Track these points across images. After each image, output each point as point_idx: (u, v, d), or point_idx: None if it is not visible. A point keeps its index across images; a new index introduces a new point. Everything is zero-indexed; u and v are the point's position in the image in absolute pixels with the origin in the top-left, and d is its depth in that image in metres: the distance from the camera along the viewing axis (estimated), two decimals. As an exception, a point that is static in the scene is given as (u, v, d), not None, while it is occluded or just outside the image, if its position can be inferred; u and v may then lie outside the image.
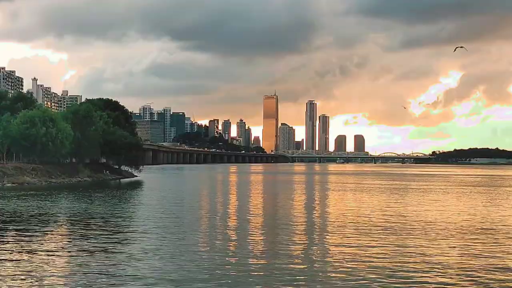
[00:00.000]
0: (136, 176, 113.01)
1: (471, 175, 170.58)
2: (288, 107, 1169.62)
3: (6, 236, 30.64)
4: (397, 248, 27.67)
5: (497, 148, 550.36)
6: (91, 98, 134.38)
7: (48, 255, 25.08)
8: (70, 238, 30.87)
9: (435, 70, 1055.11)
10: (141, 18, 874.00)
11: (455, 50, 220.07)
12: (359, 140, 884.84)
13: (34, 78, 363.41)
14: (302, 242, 30.30)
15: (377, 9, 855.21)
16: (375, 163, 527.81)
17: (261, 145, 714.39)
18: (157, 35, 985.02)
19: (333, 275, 21.77)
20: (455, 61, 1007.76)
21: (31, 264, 22.95)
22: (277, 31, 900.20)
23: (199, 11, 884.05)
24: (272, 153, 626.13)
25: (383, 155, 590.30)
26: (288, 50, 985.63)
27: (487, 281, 21.13)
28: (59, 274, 21.35)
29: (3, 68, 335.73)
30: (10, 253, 25.30)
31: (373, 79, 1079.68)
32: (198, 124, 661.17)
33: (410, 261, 24.56)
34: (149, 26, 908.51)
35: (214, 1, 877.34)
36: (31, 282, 20.06)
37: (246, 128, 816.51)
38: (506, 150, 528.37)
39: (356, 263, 23.88)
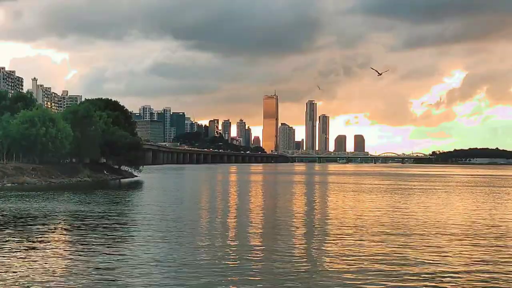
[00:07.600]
0: (136, 176, 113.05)
1: (471, 175, 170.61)
2: (288, 107, 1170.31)
3: (6, 236, 30.61)
4: (397, 249, 27.68)
5: (497, 148, 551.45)
6: (90, 98, 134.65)
7: (47, 255, 25.08)
8: (69, 238, 30.90)
9: (439, 70, 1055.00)
10: (143, 17, 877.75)
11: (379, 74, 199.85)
12: (359, 140, 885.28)
13: (34, 78, 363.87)
14: (302, 243, 30.30)
15: (380, 9, 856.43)
16: (375, 163, 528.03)
17: (261, 145, 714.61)
18: (159, 34, 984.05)
19: (334, 276, 21.77)
20: (459, 61, 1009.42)
21: (31, 264, 22.95)
22: (279, 31, 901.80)
23: (201, 10, 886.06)
24: (272, 153, 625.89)
25: (383, 155, 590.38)
26: (290, 50, 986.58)
27: (488, 281, 21.16)
28: (59, 274, 21.33)
29: (3, 68, 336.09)
30: (10, 253, 25.28)
31: (377, 79, 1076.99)
32: (198, 124, 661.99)
33: (411, 262, 24.54)
34: (151, 25, 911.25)
35: (216, 0, 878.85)
36: (31, 282, 20.06)
37: (246, 128, 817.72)
38: (506, 150, 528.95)
39: (356, 264, 23.88)
